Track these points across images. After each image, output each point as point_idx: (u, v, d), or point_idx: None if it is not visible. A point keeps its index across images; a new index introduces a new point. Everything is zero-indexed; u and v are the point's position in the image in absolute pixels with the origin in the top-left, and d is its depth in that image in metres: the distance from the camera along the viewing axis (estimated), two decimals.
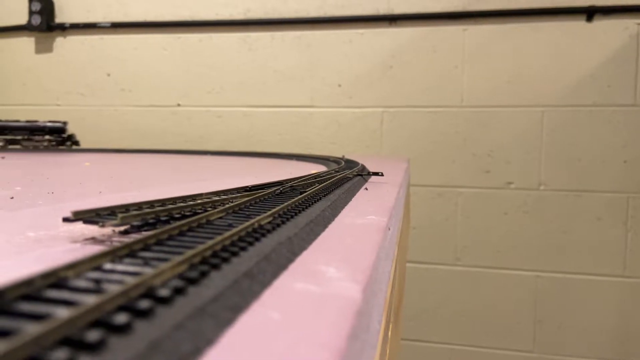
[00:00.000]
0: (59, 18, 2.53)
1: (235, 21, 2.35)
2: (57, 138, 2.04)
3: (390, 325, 0.57)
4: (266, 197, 0.57)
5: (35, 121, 2.07)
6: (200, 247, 0.31)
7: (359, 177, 0.93)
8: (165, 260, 0.29)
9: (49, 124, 2.04)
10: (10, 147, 2.02)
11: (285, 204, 0.51)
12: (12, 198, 0.64)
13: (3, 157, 1.55)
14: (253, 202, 0.53)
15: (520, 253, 2.13)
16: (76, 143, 2.11)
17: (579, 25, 2.04)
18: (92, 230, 0.42)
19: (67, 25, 2.51)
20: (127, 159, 1.67)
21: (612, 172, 2.04)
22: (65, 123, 2.08)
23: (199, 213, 0.44)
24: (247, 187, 0.61)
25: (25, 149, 2.02)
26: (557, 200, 2.09)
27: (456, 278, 2.18)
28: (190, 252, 0.30)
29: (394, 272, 0.61)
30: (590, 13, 2.03)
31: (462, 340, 2.19)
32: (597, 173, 2.05)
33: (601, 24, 2.03)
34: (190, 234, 0.37)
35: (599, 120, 2.04)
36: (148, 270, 0.26)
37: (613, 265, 2.06)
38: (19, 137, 2.02)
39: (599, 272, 2.07)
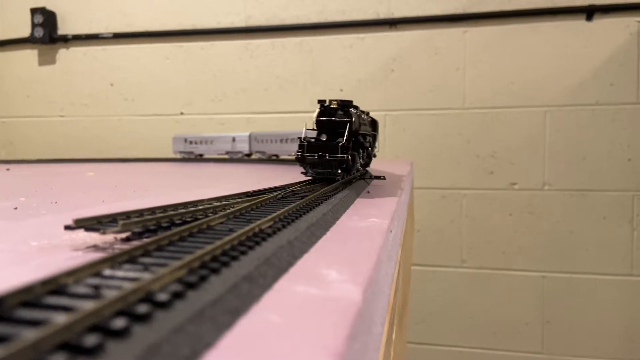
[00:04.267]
0: (62, 30, 2.55)
1: (237, 29, 2.36)
2: None
3: (394, 328, 0.57)
4: (267, 201, 0.57)
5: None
6: (200, 252, 0.31)
7: (362, 180, 0.93)
8: (164, 265, 0.29)
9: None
10: None
11: (286, 208, 0.51)
12: (15, 209, 0.64)
13: (8, 169, 1.56)
14: (254, 207, 0.53)
15: (526, 254, 2.12)
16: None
17: (579, 24, 2.04)
18: (94, 238, 0.43)
19: (70, 36, 2.53)
20: (130, 168, 1.67)
21: (616, 171, 2.03)
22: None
23: (199, 219, 0.44)
24: (248, 192, 0.62)
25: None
26: (561, 200, 2.08)
27: (462, 280, 2.17)
28: (189, 257, 0.30)
29: (397, 274, 0.61)
30: (590, 12, 2.02)
31: (469, 342, 2.17)
32: (602, 172, 2.05)
33: (601, 23, 2.02)
34: (191, 239, 0.37)
35: (602, 119, 2.04)
36: (147, 276, 0.26)
37: (620, 264, 2.05)
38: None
39: (606, 272, 2.06)
